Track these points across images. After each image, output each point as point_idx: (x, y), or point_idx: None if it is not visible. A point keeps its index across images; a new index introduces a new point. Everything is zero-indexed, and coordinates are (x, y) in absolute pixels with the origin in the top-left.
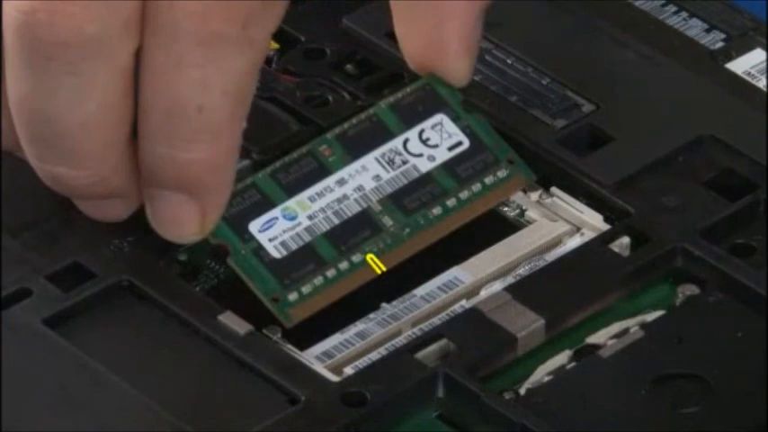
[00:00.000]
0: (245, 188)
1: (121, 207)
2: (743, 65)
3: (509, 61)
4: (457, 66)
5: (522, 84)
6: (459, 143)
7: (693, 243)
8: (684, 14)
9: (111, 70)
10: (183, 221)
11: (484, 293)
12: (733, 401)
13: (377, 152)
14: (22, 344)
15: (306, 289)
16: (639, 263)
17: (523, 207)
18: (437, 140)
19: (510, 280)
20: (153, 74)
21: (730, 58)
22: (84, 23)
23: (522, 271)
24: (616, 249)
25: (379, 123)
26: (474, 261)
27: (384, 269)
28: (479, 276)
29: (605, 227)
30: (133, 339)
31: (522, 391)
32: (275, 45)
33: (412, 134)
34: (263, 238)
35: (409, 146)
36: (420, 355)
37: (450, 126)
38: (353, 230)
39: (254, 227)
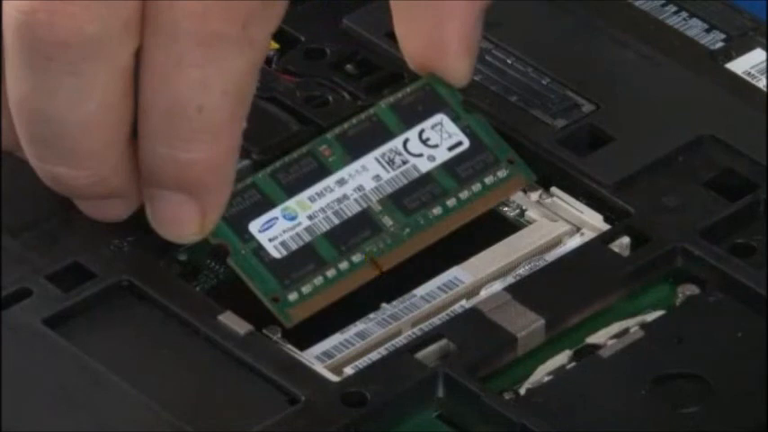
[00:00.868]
0: (245, 188)
1: (121, 207)
2: (743, 65)
3: (509, 61)
4: (457, 66)
5: (522, 84)
6: (460, 143)
7: (693, 243)
8: (684, 14)
9: (112, 70)
10: (184, 221)
11: (484, 293)
12: (733, 401)
13: (377, 152)
14: (22, 344)
15: (306, 289)
16: (639, 263)
17: (523, 207)
18: (437, 140)
19: (510, 280)
20: (153, 74)
21: (730, 58)
22: (85, 23)
23: (522, 271)
24: (616, 249)
25: (379, 123)
26: (474, 261)
27: (383, 270)
28: (479, 276)
29: (605, 227)
30: (133, 339)
31: (522, 391)
32: (275, 45)
33: (412, 134)
34: (262, 238)
35: (409, 146)
36: (420, 355)
37: (450, 126)
38: (353, 230)
39: (254, 227)
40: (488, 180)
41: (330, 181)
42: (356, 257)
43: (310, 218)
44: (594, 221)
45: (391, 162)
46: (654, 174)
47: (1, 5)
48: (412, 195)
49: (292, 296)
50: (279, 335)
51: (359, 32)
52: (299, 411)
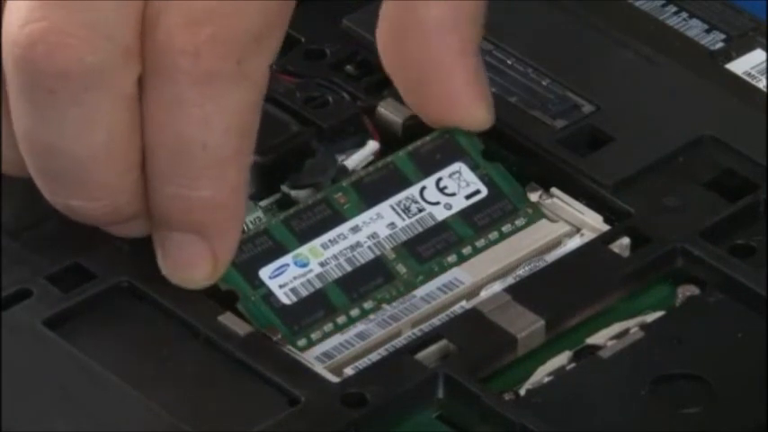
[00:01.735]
0: (257, 234)
1: (141, 227)
2: (743, 65)
3: (509, 62)
4: (475, 114)
5: (522, 84)
6: (477, 191)
7: (693, 243)
8: (684, 15)
9: (116, 99)
10: (195, 264)
11: (484, 294)
12: (733, 402)
13: (392, 200)
14: (22, 344)
15: (315, 335)
16: (639, 263)
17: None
18: (454, 189)
19: (510, 281)
20: (154, 113)
21: (730, 59)
22: (84, 54)
23: (522, 272)
24: (616, 250)
25: (395, 171)
26: (474, 262)
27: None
28: (479, 277)
29: (605, 227)
30: (133, 340)
31: (522, 391)
32: None
33: (429, 182)
34: (273, 285)
35: (426, 194)
36: (420, 355)
37: (468, 174)
38: (366, 278)
39: (264, 273)
40: (506, 229)
41: (344, 228)
42: (367, 304)
43: (322, 265)
44: (594, 222)
45: (407, 210)
46: (654, 174)
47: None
48: (427, 243)
49: (301, 342)
50: (279, 336)
51: (359, 33)
52: (299, 412)
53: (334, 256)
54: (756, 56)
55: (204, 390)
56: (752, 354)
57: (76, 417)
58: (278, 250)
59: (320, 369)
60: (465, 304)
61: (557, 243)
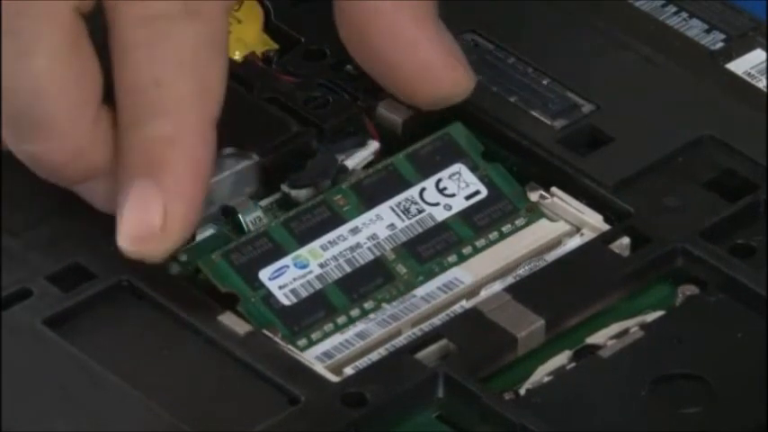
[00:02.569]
0: (257, 237)
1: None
2: (743, 65)
3: (509, 61)
4: (453, 78)
5: (522, 84)
6: (477, 192)
7: (693, 243)
8: (684, 15)
9: (51, 24)
10: (146, 213)
11: (484, 294)
12: (733, 402)
13: (392, 201)
14: (22, 344)
15: (316, 336)
16: (639, 263)
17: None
18: (454, 190)
19: (510, 280)
20: (114, 61)
21: (730, 59)
22: None
23: (523, 271)
24: (616, 250)
25: (395, 173)
26: (474, 261)
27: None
28: (479, 277)
29: (605, 227)
30: (133, 340)
31: (522, 391)
32: (275, 45)
33: (429, 183)
34: (273, 286)
35: (425, 195)
36: (420, 355)
37: (468, 176)
38: (366, 278)
39: (264, 275)
40: (506, 229)
41: (343, 230)
42: (368, 305)
43: (322, 266)
44: (594, 222)
45: (406, 211)
46: (654, 174)
47: None
48: (427, 243)
49: (301, 342)
50: (279, 335)
51: None
52: (298, 412)
53: (334, 258)
54: (756, 56)
55: (204, 390)
56: (752, 354)
57: (76, 417)
58: (277, 252)
59: (320, 368)
60: (465, 304)
61: (557, 243)
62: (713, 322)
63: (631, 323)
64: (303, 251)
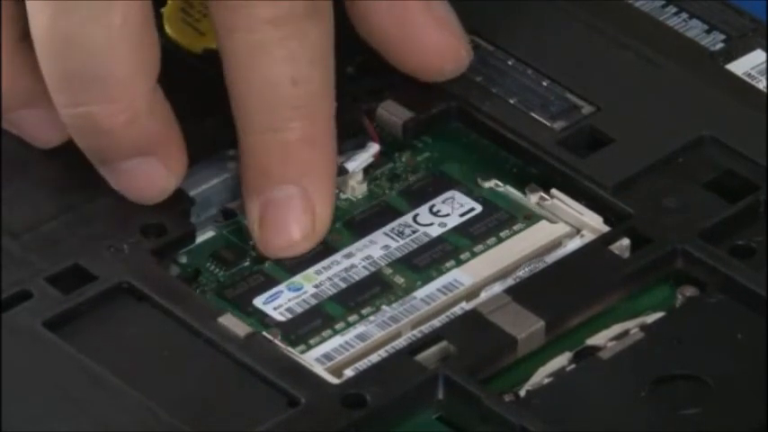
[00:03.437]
0: (250, 274)
1: (162, 172)
2: (743, 65)
3: (509, 63)
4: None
5: (522, 85)
6: (472, 209)
7: (693, 244)
8: (684, 15)
9: None
10: (299, 222)
11: (484, 295)
12: (733, 403)
13: (386, 228)
14: (22, 346)
15: (314, 341)
16: (639, 264)
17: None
18: (448, 211)
19: (510, 282)
20: (240, 61)
21: (730, 59)
22: None
23: (523, 273)
24: (616, 251)
25: (387, 207)
26: (474, 263)
27: None
28: (479, 278)
29: (605, 228)
30: (133, 341)
31: (522, 392)
32: None
33: (422, 209)
34: (267, 309)
35: (419, 218)
36: (420, 357)
37: (462, 198)
38: (362, 290)
39: (258, 301)
40: (504, 234)
41: (337, 256)
42: (366, 310)
43: (316, 286)
44: (594, 223)
45: (400, 234)
46: (654, 175)
47: None
48: (423, 255)
49: (299, 348)
50: (279, 337)
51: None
52: (298, 413)
53: (329, 278)
54: (756, 56)
55: (204, 390)
56: (752, 354)
57: (76, 417)
58: (270, 282)
59: (320, 370)
60: (465, 305)
61: (557, 244)
62: (713, 323)
63: (631, 324)
64: (297, 277)
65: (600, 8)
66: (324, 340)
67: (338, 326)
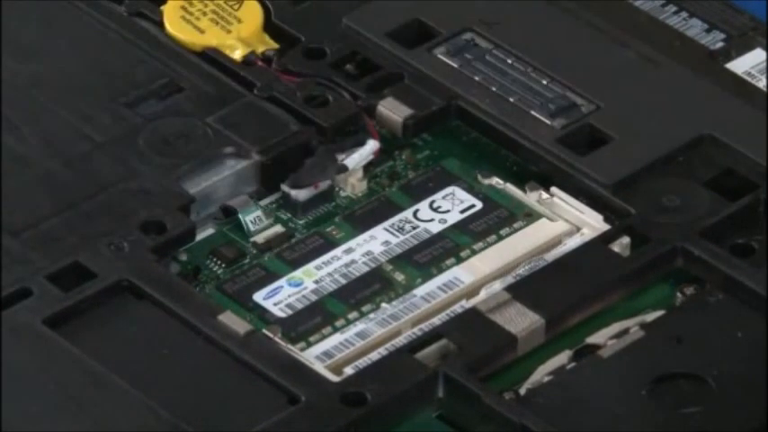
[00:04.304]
0: (250, 268)
1: None
2: (743, 65)
3: (509, 61)
4: None
5: (522, 84)
6: (472, 206)
7: (693, 243)
8: (684, 14)
9: None
10: None
11: (484, 293)
12: (733, 401)
13: (386, 223)
14: (22, 344)
15: (314, 339)
16: (639, 263)
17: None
18: (448, 207)
19: (510, 280)
20: None
21: (730, 58)
22: None
23: (523, 271)
24: (616, 249)
25: (387, 202)
26: (474, 261)
27: None
28: (479, 276)
29: (605, 227)
30: (133, 339)
31: (523, 391)
32: (275, 45)
33: (422, 205)
34: (267, 304)
35: (419, 214)
36: (420, 355)
37: (462, 194)
38: (363, 287)
39: (258, 296)
40: (504, 232)
41: (337, 251)
42: (366, 308)
43: (317, 282)
44: (594, 221)
45: (401, 229)
46: (654, 174)
47: None
48: (423, 252)
49: (299, 346)
50: (279, 335)
51: (359, 32)
52: (298, 411)
53: (329, 274)
54: (756, 56)
55: (204, 389)
56: (752, 354)
57: (76, 416)
58: (271, 277)
59: (320, 368)
60: (465, 303)
61: (557, 242)
62: (713, 322)
63: (631, 323)
64: (297, 272)
65: (600, 7)
66: (324, 338)
67: (338, 323)
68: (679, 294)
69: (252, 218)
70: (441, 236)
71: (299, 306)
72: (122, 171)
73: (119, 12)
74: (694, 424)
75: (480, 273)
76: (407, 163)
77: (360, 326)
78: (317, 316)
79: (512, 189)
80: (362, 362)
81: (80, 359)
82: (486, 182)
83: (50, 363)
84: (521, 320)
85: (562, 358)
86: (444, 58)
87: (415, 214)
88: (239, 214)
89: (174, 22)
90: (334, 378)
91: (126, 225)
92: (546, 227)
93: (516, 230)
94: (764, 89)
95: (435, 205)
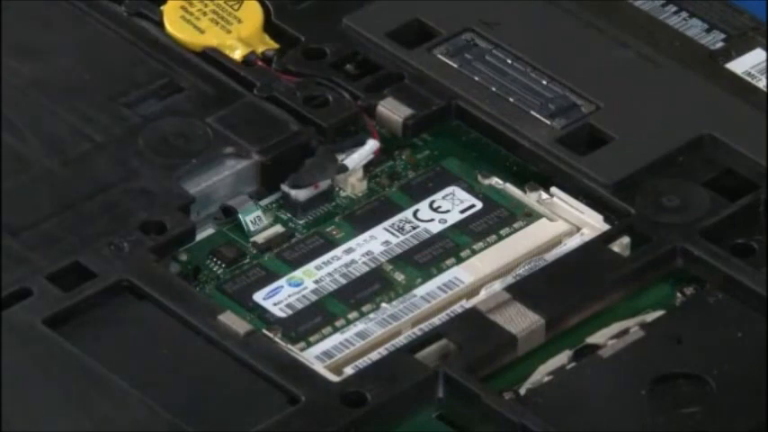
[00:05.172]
0: (250, 267)
1: None
2: (743, 65)
3: (509, 61)
4: None
5: (522, 84)
6: (472, 206)
7: (693, 243)
8: (684, 14)
9: None
10: None
11: (484, 293)
12: (733, 401)
13: (386, 223)
14: (22, 344)
15: (314, 339)
16: (639, 263)
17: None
18: (448, 207)
19: (510, 280)
20: None
21: (730, 58)
22: None
23: (523, 271)
24: (616, 249)
25: (387, 202)
26: (474, 261)
27: None
28: (479, 276)
29: (605, 227)
30: (133, 339)
31: (523, 391)
32: (275, 45)
33: (422, 205)
34: (267, 304)
35: (419, 214)
36: (420, 355)
37: (462, 194)
38: (363, 287)
39: (258, 296)
40: (504, 232)
41: (338, 251)
42: (366, 308)
43: (317, 282)
44: (594, 221)
45: (401, 229)
46: (654, 174)
47: None
48: (423, 252)
49: (299, 346)
50: (279, 335)
51: (359, 32)
52: (298, 411)
53: (329, 274)
54: (756, 56)
55: (204, 389)
56: (752, 354)
57: (76, 416)
58: (271, 277)
59: (320, 368)
60: (465, 303)
61: (557, 242)
62: (713, 322)
63: (631, 323)
64: (297, 272)
65: (600, 7)
66: (324, 338)
67: (338, 323)
68: (679, 294)
69: (252, 218)
70: (441, 236)
71: (299, 306)
72: (122, 171)
73: (119, 12)
74: (694, 424)
75: (480, 273)
76: (407, 163)
77: (360, 326)
78: (317, 316)
79: (512, 189)
80: (362, 362)
81: (80, 359)
82: (486, 182)
83: (50, 363)
84: (521, 320)
85: (562, 358)
86: (444, 59)
87: (415, 214)
88: (239, 214)
89: (173, 22)
90: (334, 378)
91: (126, 225)
92: (546, 227)
93: (516, 230)
94: (764, 89)
95: (435, 205)
